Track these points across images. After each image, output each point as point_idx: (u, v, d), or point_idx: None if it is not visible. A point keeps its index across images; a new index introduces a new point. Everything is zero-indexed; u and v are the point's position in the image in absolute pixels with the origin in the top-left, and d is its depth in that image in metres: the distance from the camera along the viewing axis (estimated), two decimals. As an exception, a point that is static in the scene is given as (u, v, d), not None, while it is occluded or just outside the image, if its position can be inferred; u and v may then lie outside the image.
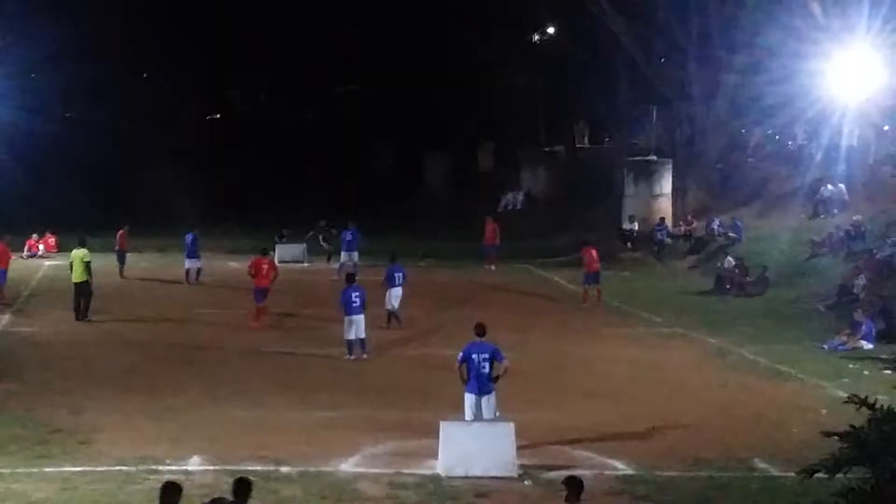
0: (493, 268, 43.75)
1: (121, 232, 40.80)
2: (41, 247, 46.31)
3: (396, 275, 30.90)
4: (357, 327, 26.23)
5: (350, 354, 26.12)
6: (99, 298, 31.68)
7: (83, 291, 30.91)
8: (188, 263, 39.30)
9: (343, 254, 39.56)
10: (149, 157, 64.23)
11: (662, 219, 46.74)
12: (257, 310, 31.03)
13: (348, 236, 39.52)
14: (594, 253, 36.00)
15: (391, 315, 30.59)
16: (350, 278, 27.78)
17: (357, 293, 26.43)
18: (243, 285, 34.22)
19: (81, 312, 30.75)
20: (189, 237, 39.69)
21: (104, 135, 65.32)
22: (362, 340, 26.34)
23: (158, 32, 66.18)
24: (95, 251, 32.21)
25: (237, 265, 43.70)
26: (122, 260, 40.44)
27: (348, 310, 26.15)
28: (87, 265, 30.91)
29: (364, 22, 70.02)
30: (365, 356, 26.08)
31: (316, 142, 73.46)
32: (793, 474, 15.09)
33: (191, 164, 65.24)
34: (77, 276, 30.96)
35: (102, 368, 24.68)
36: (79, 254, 31.21)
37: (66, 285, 32.31)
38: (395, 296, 30.76)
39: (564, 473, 14.68)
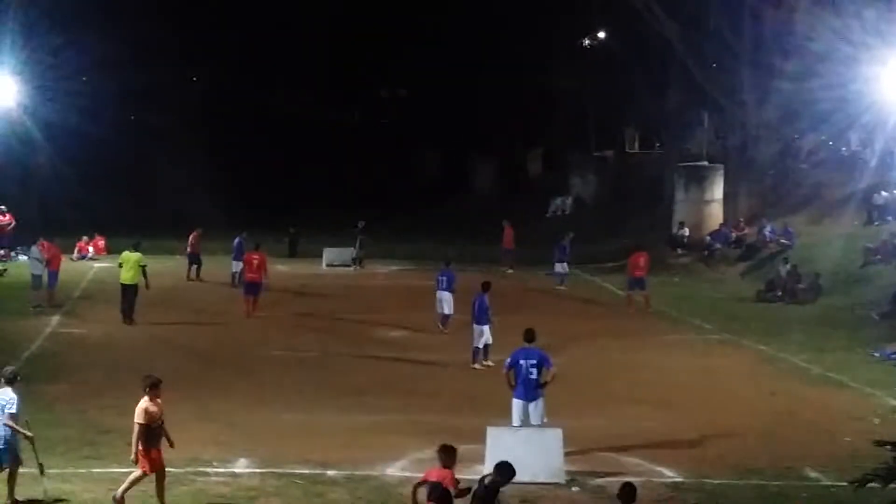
0: (510, 271, 43.69)
1: (194, 234, 41.27)
2: (91, 249, 46.67)
3: (441, 279, 30.94)
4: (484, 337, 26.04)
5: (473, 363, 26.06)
6: (149, 301, 31.89)
7: (132, 294, 31.09)
8: (235, 266, 39.29)
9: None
10: (194, 160, 64.60)
11: (722, 224, 46.43)
12: (244, 302, 32.62)
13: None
14: (641, 260, 35.91)
15: (439, 319, 30.69)
16: (484, 286, 26.87)
17: (477, 301, 26.20)
18: (287, 288, 34.29)
19: (124, 315, 30.91)
20: (237, 240, 39.85)
21: (152, 138, 65.82)
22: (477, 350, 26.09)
23: (207, 36, 66.61)
24: (144, 251, 32.34)
25: (282, 268, 44.01)
26: (194, 262, 40.93)
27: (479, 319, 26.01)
28: (143, 269, 31.15)
29: (412, 26, 70.09)
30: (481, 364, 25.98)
31: (361, 144, 73.69)
32: (845, 484, 14.97)
33: (238, 168, 65.69)
34: (129, 277, 31.09)
35: (150, 370, 24.63)
36: (134, 256, 31.35)
37: (116, 287, 32.44)
38: (437, 299, 30.89)
39: (613, 480, 14.58)
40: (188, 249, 41.38)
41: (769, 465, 18.51)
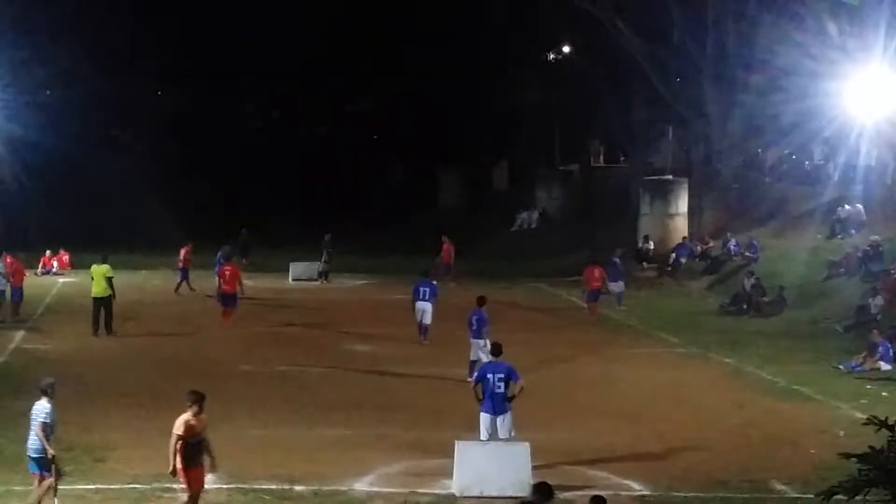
0: (453, 284, 42.64)
1: (186, 249, 41.20)
2: (55, 263, 46.37)
3: (421, 289, 31.05)
4: (473, 351, 25.69)
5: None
6: (117, 314, 31.79)
7: (104, 306, 31.17)
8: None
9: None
10: (162, 175, 64.40)
11: (685, 238, 46.63)
12: (223, 312, 33.04)
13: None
14: (596, 272, 36.55)
15: (419, 329, 30.90)
16: (480, 301, 26.56)
17: (476, 317, 25.91)
18: (253, 302, 34.24)
19: (104, 327, 31.06)
20: (219, 254, 39.14)
21: (118, 152, 65.58)
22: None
23: (173, 49, 66.47)
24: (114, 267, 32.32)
25: (249, 283, 43.81)
26: (184, 277, 40.76)
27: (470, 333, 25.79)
28: (110, 280, 31.30)
29: (378, 40, 70.13)
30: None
31: (328, 158, 73.65)
32: (811, 496, 15.06)
33: (204, 181, 65.52)
34: (99, 290, 31.26)
35: (116, 386, 24.65)
36: (101, 269, 31.58)
37: (80, 302, 32.34)
38: (418, 310, 30.90)
39: (580, 494, 14.59)
40: (179, 264, 41.21)
41: (736, 477, 18.57)
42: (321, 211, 59.79)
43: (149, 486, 17.03)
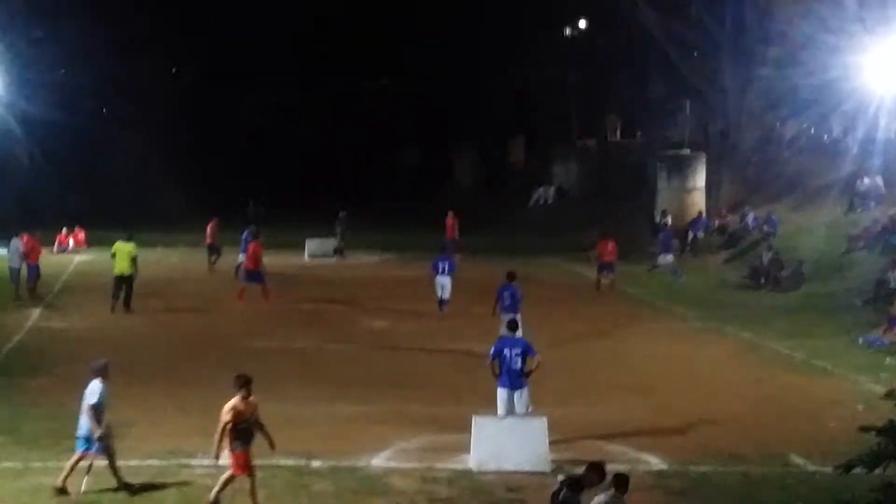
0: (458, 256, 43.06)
1: (211, 224, 41.03)
2: (71, 241, 46.46)
3: (440, 264, 31.86)
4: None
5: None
6: (138, 292, 31.94)
7: (126, 284, 31.28)
8: (242, 258, 39.29)
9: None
10: (175, 153, 64.46)
11: (700, 213, 46.44)
12: (243, 290, 33.14)
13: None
14: (609, 246, 37.20)
15: (438, 303, 31.61)
16: (510, 276, 26.66)
17: (508, 291, 25.97)
18: (269, 279, 34.31)
19: (123, 303, 31.11)
20: (245, 233, 39.05)
21: (132, 131, 65.58)
22: None
23: (187, 27, 66.39)
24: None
25: (265, 260, 43.89)
26: (214, 252, 40.77)
27: (502, 309, 25.59)
28: (134, 259, 31.38)
29: (394, 16, 69.95)
30: None
31: (344, 135, 73.56)
32: (829, 469, 14.94)
33: (219, 159, 65.58)
34: (123, 268, 31.31)
35: (133, 363, 24.60)
36: (127, 247, 31.55)
37: (97, 280, 32.37)
38: (438, 284, 31.72)
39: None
40: (207, 240, 41.17)
41: (754, 451, 18.51)
42: (337, 188, 59.86)
43: (166, 463, 17.05)
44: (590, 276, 40.34)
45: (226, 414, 15.12)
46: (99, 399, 15.70)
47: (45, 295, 33.92)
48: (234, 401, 15.25)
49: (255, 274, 33.52)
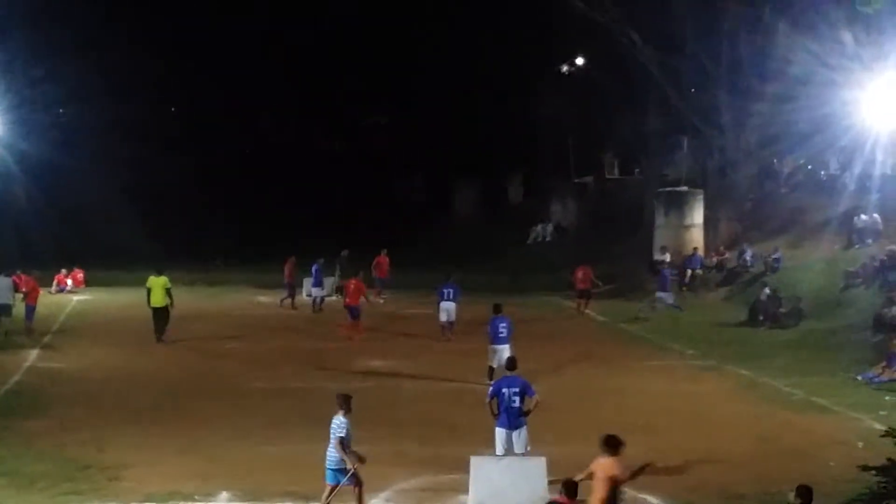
0: (382, 301, 43.42)
1: (289, 263, 41.96)
2: (69, 282, 46.43)
3: (445, 291, 34.04)
4: (499, 356, 26.12)
5: (489, 379, 26.17)
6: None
7: (162, 316, 33.34)
8: (316, 292, 41.12)
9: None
10: (176, 191, 64.56)
11: (695, 249, 46.44)
12: (350, 325, 34.52)
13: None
14: (580, 273, 41.01)
15: (443, 327, 33.80)
16: (497, 308, 27.49)
17: (504, 324, 26.76)
18: (267, 318, 34.27)
19: (158, 334, 33.18)
20: (315, 267, 41.34)
21: (132, 170, 65.65)
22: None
23: (186, 66, 66.59)
24: (121, 285, 32.66)
25: (266, 299, 44.02)
26: (291, 292, 41.76)
27: (494, 339, 26.60)
28: (168, 291, 33.29)
29: (393, 53, 70.18)
30: None
31: (345, 172, 73.65)
32: (830, 509, 14.92)
33: (221, 196, 65.61)
34: (158, 301, 33.26)
35: (131, 404, 24.61)
36: (160, 281, 33.44)
37: (95, 320, 32.53)
38: (442, 309, 33.96)
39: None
40: (286, 279, 41.98)
41: (753, 490, 18.44)
42: (338, 224, 59.87)
43: (164, 504, 16.98)
44: (588, 313, 40.45)
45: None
46: (346, 432, 16.48)
47: (42, 336, 33.81)
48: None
49: (353, 310, 34.60)
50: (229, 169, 70.86)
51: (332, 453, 16.52)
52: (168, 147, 67.80)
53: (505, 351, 26.01)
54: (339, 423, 16.51)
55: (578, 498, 14.21)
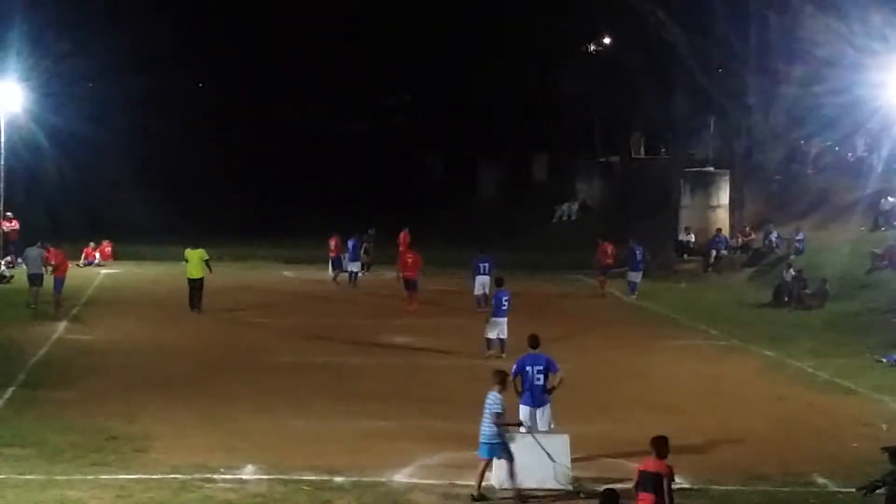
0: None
1: (334, 239, 42.58)
2: (97, 255, 46.61)
3: (481, 265, 34.73)
4: (500, 328, 27.23)
5: (489, 350, 27.20)
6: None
7: (198, 287, 34.22)
8: (352, 267, 41.61)
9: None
10: (202, 166, 64.76)
11: (719, 230, 46.33)
12: (408, 297, 35.61)
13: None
14: (608, 248, 40.60)
15: (478, 300, 34.17)
16: (499, 282, 28.62)
17: (506, 297, 27.47)
18: (294, 294, 34.33)
19: (195, 305, 34.08)
20: (352, 242, 41.76)
21: (160, 144, 65.89)
22: (502, 341, 27.15)
23: (212, 42, 66.71)
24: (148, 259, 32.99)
25: (291, 274, 44.24)
26: (337, 266, 42.53)
27: (497, 311, 27.38)
28: (207, 263, 34.47)
29: (417, 31, 70.11)
30: (504, 355, 26.12)
31: (367, 151, 73.71)
32: (853, 490, 14.92)
33: (244, 173, 65.78)
34: (196, 272, 34.29)
35: (157, 377, 24.75)
36: (197, 253, 34.48)
37: (122, 293, 32.85)
38: (478, 282, 34.60)
39: (620, 486, 14.56)
40: (331, 254, 42.73)
41: (776, 470, 18.46)
42: (363, 203, 59.94)
43: (189, 476, 17.08)
44: (613, 292, 40.40)
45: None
46: (501, 408, 16.80)
47: (71, 308, 34.04)
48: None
49: (411, 283, 35.72)
50: (255, 148, 71.01)
51: (487, 428, 16.83)
52: (195, 124, 67.97)
53: (505, 324, 27.13)
54: (494, 399, 16.83)
55: None
